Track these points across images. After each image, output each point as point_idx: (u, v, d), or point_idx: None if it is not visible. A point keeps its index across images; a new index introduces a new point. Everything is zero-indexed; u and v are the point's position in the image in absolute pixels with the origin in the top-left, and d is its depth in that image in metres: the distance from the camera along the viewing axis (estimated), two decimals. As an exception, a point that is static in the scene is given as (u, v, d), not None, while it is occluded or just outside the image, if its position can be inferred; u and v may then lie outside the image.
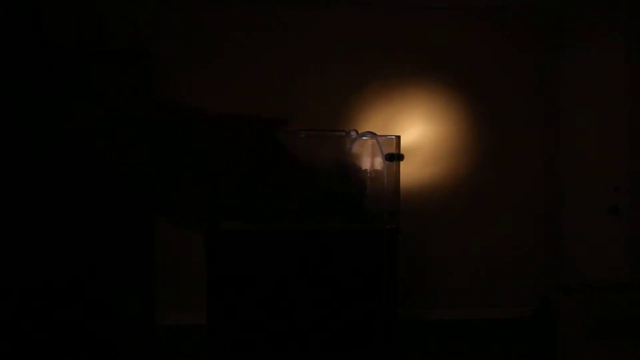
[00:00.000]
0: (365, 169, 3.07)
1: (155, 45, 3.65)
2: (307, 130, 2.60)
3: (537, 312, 3.53)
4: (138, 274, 3.70)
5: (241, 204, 0.59)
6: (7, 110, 0.54)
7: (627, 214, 3.13)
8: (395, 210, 3.09)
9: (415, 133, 3.80)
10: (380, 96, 3.79)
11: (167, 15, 3.67)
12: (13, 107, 0.55)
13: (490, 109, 3.84)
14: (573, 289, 2.79)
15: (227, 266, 2.80)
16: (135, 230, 3.71)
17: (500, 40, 3.85)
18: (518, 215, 3.85)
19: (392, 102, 3.80)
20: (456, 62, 3.82)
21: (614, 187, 3.22)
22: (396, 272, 3.00)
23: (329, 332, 2.87)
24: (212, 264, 2.81)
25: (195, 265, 3.40)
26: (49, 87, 0.68)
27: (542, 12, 3.84)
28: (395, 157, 3.20)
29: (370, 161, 3.06)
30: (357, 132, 2.94)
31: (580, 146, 3.58)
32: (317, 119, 3.67)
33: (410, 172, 3.79)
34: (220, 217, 0.60)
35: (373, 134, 2.93)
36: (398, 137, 2.81)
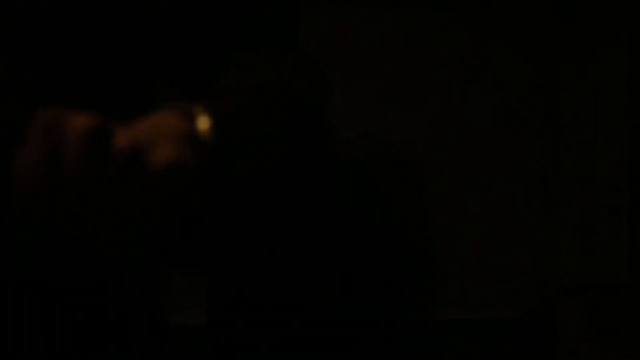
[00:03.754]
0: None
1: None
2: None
3: (536, 312, 3.53)
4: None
5: None
6: None
7: (627, 214, 3.13)
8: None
9: (409, 131, 3.79)
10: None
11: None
12: None
13: (488, 106, 3.83)
14: (573, 289, 2.79)
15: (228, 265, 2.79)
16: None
17: (501, 40, 3.85)
18: (518, 214, 3.85)
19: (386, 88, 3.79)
20: (455, 56, 3.82)
21: (614, 187, 3.22)
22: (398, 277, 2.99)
23: (332, 331, 2.86)
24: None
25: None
26: None
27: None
28: (394, 160, 3.19)
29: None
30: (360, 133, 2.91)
31: (580, 145, 3.58)
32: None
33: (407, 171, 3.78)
34: None
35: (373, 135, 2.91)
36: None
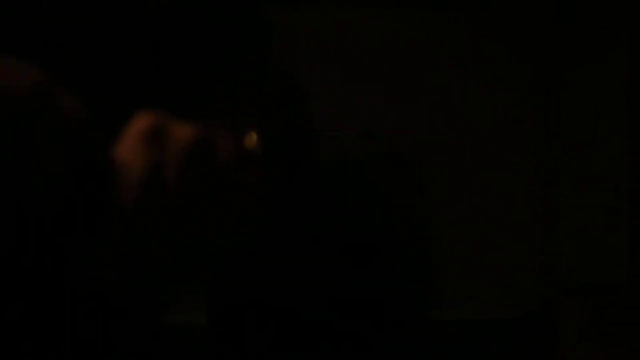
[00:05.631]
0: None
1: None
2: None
3: (536, 312, 3.53)
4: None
5: None
6: None
7: (627, 214, 3.13)
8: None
9: (407, 130, 3.79)
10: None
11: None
12: None
13: (488, 106, 3.83)
14: (573, 289, 2.79)
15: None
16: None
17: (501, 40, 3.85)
18: (517, 214, 3.85)
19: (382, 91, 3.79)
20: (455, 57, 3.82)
21: (614, 187, 3.22)
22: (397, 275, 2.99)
23: (331, 331, 2.86)
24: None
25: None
26: None
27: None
28: (393, 159, 3.19)
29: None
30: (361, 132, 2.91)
31: (580, 146, 3.58)
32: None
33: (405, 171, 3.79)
34: None
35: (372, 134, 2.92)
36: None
